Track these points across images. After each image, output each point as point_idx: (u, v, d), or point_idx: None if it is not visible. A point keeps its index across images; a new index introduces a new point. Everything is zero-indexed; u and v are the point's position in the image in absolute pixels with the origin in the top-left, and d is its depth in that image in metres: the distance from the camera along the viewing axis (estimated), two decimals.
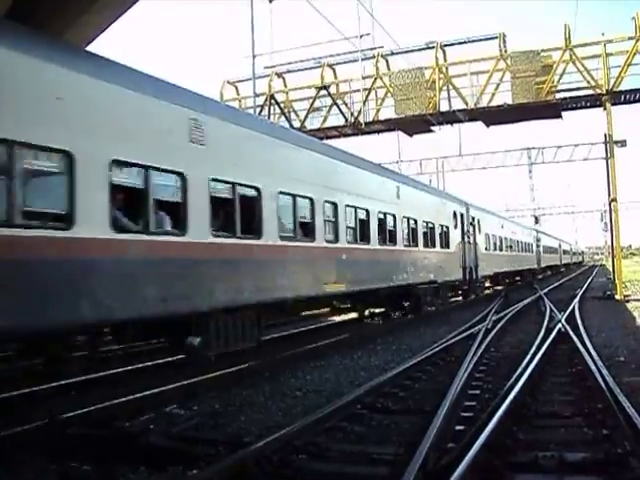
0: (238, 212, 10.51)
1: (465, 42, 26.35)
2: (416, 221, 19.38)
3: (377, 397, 8.23)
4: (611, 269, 32.59)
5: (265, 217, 11.19)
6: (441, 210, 22.62)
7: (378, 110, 27.71)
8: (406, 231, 18.64)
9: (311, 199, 12.91)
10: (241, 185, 10.63)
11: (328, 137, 28.56)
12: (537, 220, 72.61)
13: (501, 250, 34.85)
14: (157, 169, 8.73)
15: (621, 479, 4.99)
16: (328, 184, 13.81)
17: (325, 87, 28.24)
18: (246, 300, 10.60)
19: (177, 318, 9.30)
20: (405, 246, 18.32)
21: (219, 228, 10.14)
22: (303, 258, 12.69)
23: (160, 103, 9.07)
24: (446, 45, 26.45)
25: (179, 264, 9.14)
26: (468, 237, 25.66)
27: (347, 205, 14.55)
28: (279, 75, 29.07)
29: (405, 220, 18.42)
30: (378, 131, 29.58)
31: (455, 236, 23.87)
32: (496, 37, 25.61)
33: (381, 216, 16.58)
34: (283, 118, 28.73)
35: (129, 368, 10.52)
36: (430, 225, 20.94)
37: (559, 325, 14.47)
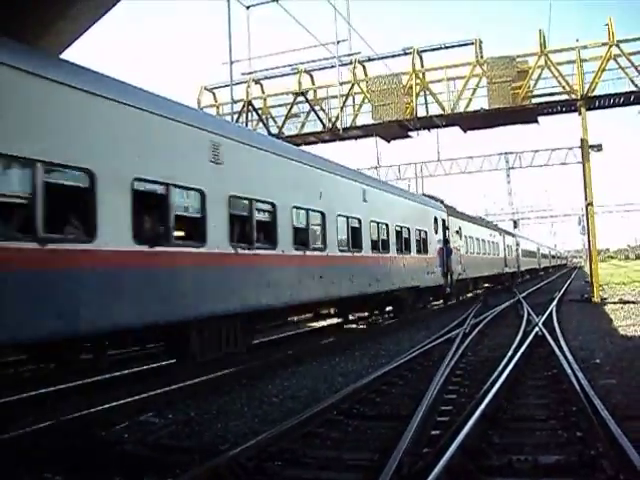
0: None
1: (442, 48, 26.49)
2: None
3: (354, 403, 8.22)
4: (589, 272, 32.84)
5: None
6: None
7: (356, 116, 27.78)
8: None
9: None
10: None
11: (306, 143, 28.60)
12: (516, 224, 73.23)
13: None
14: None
15: None
16: None
17: (303, 93, 28.26)
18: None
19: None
20: None
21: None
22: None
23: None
24: (423, 51, 26.58)
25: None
26: None
27: None
28: (256, 81, 29.02)
29: None
30: (356, 137, 29.65)
31: None
32: (472, 43, 25.79)
33: None
34: (261, 124, 28.72)
35: (103, 377, 10.40)
36: None
37: (536, 329, 14.59)
